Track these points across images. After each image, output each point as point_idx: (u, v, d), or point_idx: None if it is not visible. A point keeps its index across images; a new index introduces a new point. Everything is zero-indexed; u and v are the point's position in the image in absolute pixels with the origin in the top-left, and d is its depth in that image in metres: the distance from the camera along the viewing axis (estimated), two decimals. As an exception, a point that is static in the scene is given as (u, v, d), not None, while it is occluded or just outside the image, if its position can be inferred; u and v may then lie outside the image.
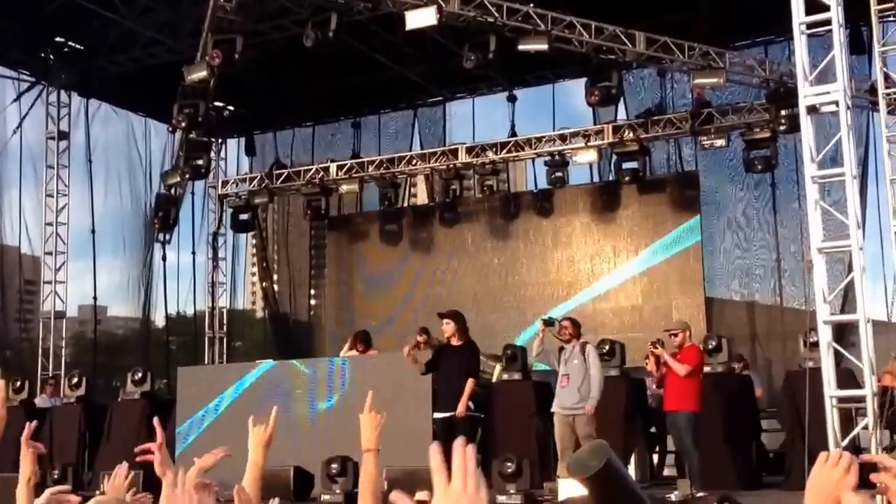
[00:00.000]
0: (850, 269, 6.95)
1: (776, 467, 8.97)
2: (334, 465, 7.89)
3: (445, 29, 10.90)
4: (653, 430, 9.69)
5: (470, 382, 8.02)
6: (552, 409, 8.12)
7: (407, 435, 8.74)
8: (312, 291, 16.12)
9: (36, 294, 14.36)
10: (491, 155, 13.69)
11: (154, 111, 14.57)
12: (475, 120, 14.99)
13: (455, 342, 8.33)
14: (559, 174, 13.06)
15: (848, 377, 7.07)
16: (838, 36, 6.82)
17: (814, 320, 6.88)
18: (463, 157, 13.80)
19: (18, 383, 10.82)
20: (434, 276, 14.37)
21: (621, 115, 13.15)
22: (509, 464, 7.63)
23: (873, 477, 1.66)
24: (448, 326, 8.33)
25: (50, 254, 13.76)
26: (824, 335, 6.67)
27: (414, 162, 14.27)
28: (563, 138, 13.29)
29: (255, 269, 16.89)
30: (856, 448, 6.72)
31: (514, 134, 13.86)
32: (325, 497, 7.97)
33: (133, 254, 14.70)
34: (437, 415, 8.12)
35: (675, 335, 8.08)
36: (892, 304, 10.30)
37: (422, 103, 15.07)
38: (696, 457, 7.82)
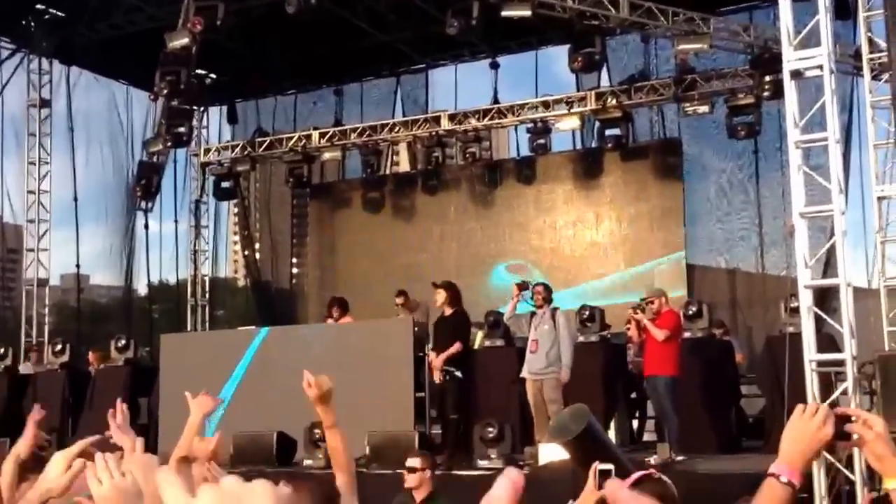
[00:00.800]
0: (832, 235, 6.97)
1: (755, 432, 9.07)
2: (317, 430, 7.91)
3: (428, -6, 10.79)
4: (633, 395, 9.78)
5: (456, 345, 8.09)
6: (521, 374, 8.26)
7: (388, 400, 8.83)
8: (295, 259, 16.11)
9: (18, 262, 14.29)
10: (473, 122, 13.63)
11: (136, 79, 14.42)
12: (458, 87, 14.91)
13: (447, 311, 8.42)
14: (542, 141, 13.03)
15: (828, 342, 7.12)
16: (823, 0, 6.80)
17: (795, 286, 6.92)
18: (445, 125, 13.73)
19: (2, 350, 10.91)
20: (416, 243, 14.37)
21: (604, 82, 13.08)
22: (491, 429, 7.70)
23: (848, 427, 1.68)
24: (439, 296, 8.42)
25: (32, 222, 13.69)
26: (805, 299, 6.68)
27: (396, 129, 14.20)
28: (545, 105, 13.23)
29: (238, 237, 16.82)
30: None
31: (496, 101, 13.79)
32: (308, 461, 8.04)
33: (116, 222, 14.63)
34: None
35: (651, 303, 8.16)
36: (873, 270, 10.37)
37: (404, 70, 14.93)
38: (675, 421, 7.91)
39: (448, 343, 8.35)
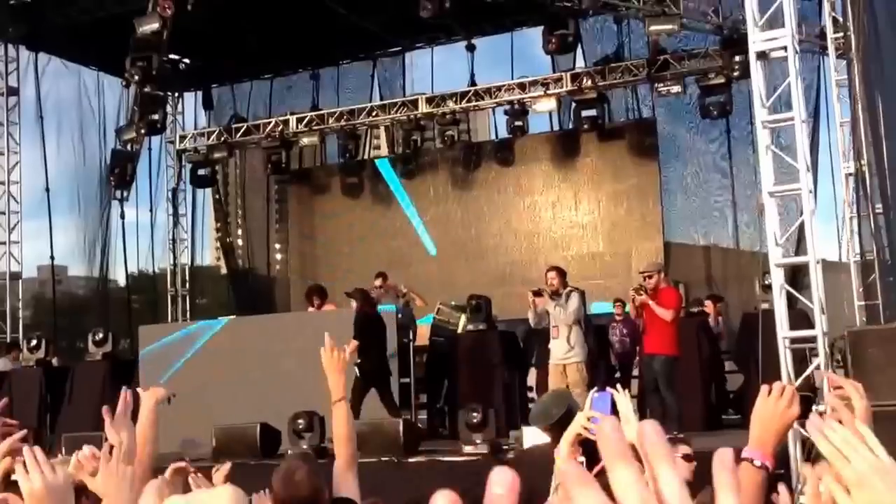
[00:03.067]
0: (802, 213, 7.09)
1: (736, 408, 9.23)
2: (300, 421, 7.94)
3: (403, -23, 10.72)
4: (616, 374, 9.91)
5: (353, 343, 8.06)
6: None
7: (373, 389, 8.87)
8: (277, 246, 16.05)
9: (-11, 255, 14.03)
10: (451, 105, 13.62)
11: (106, 65, 14.11)
12: (434, 70, 14.86)
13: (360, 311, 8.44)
14: (519, 123, 13.09)
15: (802, 318, 7.25)
16: None
17: (767, 263, 7.04)
18: (423, 108, 13.71)
19: None
20: (397, 227, 14.38)
21: (580, 63, 13.13)
22: (475, 414, 7.75)
23: (837, 393, 1.63)
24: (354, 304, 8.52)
25: (3, 213, 13.44)
26: (777, 277, 6.78)
27: (374, 113, 14.15)
28: (522, 87, 13.25)
29: (217, 225, 16.70)
30: (811, 388, 6.92)
31: (473, 84, 13.78)
32: (293, 452, 8.04)
33: (90, 212, 14.37)
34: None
35: (651, 276, 8.10)
36: (843, 245, 10.54)
37: (381, 54, 14.85)
38: (673, 399, 8.01)
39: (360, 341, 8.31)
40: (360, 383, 7.98)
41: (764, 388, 1.73)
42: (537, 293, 8.18)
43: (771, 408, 1.70)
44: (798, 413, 1.71)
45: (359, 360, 8.10)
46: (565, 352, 7.98)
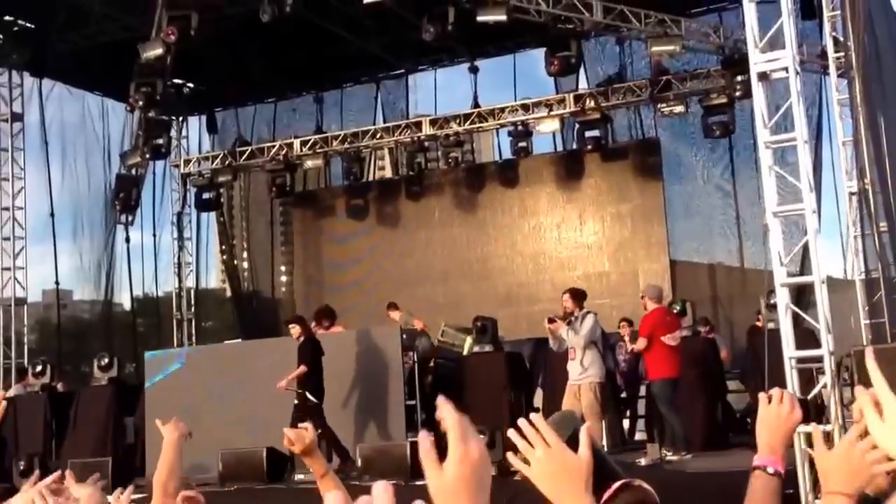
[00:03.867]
0: (806, 232, 7.08)
1: (742, 427, 9.18)
2: (308, 444, 7.89)
3: (404, 1, 10.79)
4: (623, 395, 9.86)
5: (301, 367, 8.26)
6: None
7: (378, 411, 8.86)
8: (282, 268, 16.06)
9: (-5, 280, 14.04)
10: (455, 126, 13.68)
11: (111, 90, 14.23)
12: (438, 92, 14.95)
13: (301, 338, 8.45)
14: (523, 144, 13.12)
15: (808, 336, 7.20)
16: (786, 3, 6.90)
17: (772, 282, 7.02)
18: (427, 130, 13.77)
19: None
20: (402, 249, 14.39)
21: (582, 84, 13.21)
22: (482, 436, 7.66)
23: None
24: (294, 331, 8.50)
25: (8, 239, 13.47)
26: (782, 297, 6.76)
27: (378, 135, 14.21)
28: (525, 108, 13.31)
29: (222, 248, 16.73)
30: (817, 407, 6.88)
31: (476, 105, 13.83)
32: (300, 476, 7.97)
33: (95, 236, 14.43)
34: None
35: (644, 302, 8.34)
36: (848, 261, 10.52)
37: (384, 76, 14.95)
38: (677, 421, 8.04)
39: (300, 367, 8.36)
40: (297, 413, 8.03)
41: (762, 396, 1.76)
42: (551, 320, 8.22)
43: (774, 414, 1.74)
44: (800, 417, 1.74)
45: (299, 390, 8.18)
46: (579, 374, 8.01)
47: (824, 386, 6.80)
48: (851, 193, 9.07)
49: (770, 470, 1.72)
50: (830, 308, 6.69)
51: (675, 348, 8.20)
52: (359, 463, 7.94)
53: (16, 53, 13.40)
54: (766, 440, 1.74)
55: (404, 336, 9.42)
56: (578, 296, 8.30)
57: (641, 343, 8.12)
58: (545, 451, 1.35)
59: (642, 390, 9.57)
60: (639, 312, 8.76)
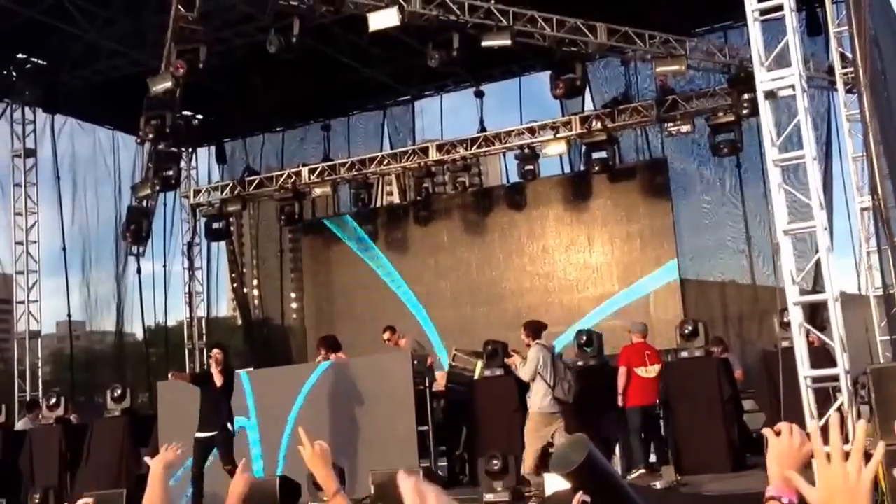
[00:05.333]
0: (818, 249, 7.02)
1: (759, 447, 9.06)
2: (321, 472, 7.85)
3: (409, 28, 10.89)
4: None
5: None
6: None
7: (390, 437, 8.80)
8: (292, 295, 16.11)
9: (10, 313, 14.18)
10: (461, 151, 13.75)
11: (121, 123, 14.44)
12: (444, 117, 15.08)
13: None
14: (530, 167, 13.16)
15: (823, 354, 7.13)
16: (791, 21, 6.85)
17: (784, 299, 6.96)
18: (434, 155, 13.84)
19: None
20: (412, 274, 14.40)
21: (588, 105, 13.26)
22: (495, 461, 7.67)
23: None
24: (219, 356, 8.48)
25: (22, 273, 13.61)
26: (795, 316, 6.70)
27: (385, 162, 14.29)
28: (531, 131, 13.37)
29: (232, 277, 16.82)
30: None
31: (483, 129, 13.92)
32: (318, 506, 7.95)
33: (107, 268, 14.60)
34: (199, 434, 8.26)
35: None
36: (862, 276, 10.45)
37: (391, 103, 15.08)
38: (638, 446, 8.36)
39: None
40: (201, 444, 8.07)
41: (768, 432, 1.76)
42: (509, 354, 8.50)
43: (786, 447, 1.73)
44: (811, 450, 1.69)
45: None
46: (530, 404, 8.08)
47: (840, 405, 6.72)
48: (863, 209, 9.03)
49: (784, 500, 1.71)
50: (844, 324, 6.63)
51: (651, 380, 8.56)
52: (371, 490, 7.89)
53: (28, 91, 13.62)
54: (779, 472, 1.72)
55: (415, 362, 9.38)
56: (531, 327, 8.31)
57: (621, 372, 8.48)
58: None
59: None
60: (650, 332, 8.82)
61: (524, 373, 8.01)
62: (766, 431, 1.76)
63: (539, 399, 7.91)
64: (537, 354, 8.00)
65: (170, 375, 8.98)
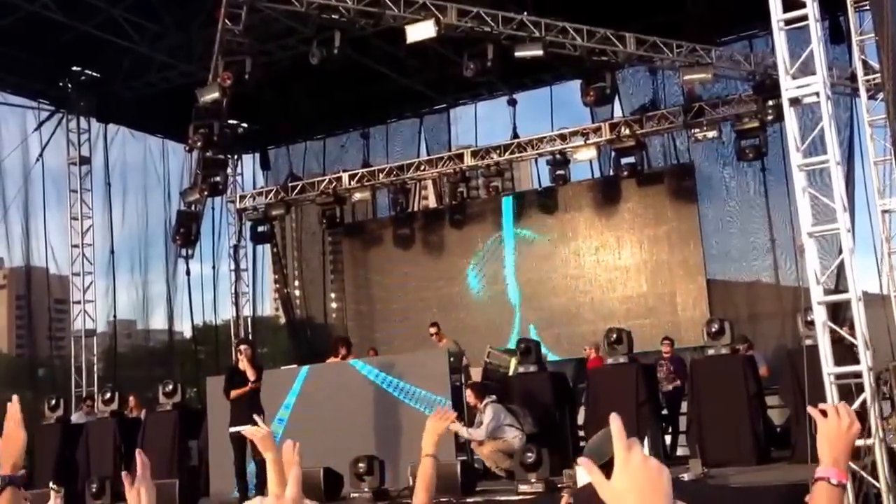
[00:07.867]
0: (841, 250, 7.21)
1: (783, 442, 9.30)
2: (361, 465, 8.22)
3: (445, 40, 11.23)
4: (664, 412, 10.09)
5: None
6: None
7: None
8: (333, 295, 16.59)
9: (66, 313, 14.83)
10: (495, 157, 14.15)
11: (171, 132, 15.02)
12: (478, 124, 15.49)
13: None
14: (561, 172, 13.54)
15: (846, 351, 7.29)
16: (815, 30, 6.98)
17: (809, 296, 7.09)
18: (468, 161, 14.27)
19: (54, 401, 11.02)
20: (448, 276, 14.82)
21: (617, 112, 13.60)
22: (530, 454, 7.93)
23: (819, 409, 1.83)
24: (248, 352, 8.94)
25: (77, 274, 14.26)
26: (819, 315, 6.87)
27: (422, 168, 14.74)
28: (562, 138, 13.74)
29: (275, 278, 17.39)
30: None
31: (515, 136, 14.32)
32: (354, 495, 8.30)
33: (157, 269, 15.21)
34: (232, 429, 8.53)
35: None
36: (883, 277, 10.61)
37: (427, 111, 15.53)
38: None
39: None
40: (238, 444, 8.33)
41: (814, 411, 1.79)
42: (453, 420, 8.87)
43: (835, 428, 1.75)
44: (859, 428, 1.81)
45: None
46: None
47: (863, 402, 6.91)
48: (884, 211, 9.22)
49: (834, 481, 1.74)
50: (867, 323, 6.76)
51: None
52: (410, 482, 8.26)
53: (84, 101, 14.32)
54: (829, 452, 1.75)
55: (451, 359, 9.80)
56: (478, 389, 8.78)
57: None
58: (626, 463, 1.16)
59: (683, 406, 9.79)
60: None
61: (480, 432, 8.42)
62: (813, 411, 1.78)
63: (516, 442, 8.42)
64: (497, 411, 8.48)
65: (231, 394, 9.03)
